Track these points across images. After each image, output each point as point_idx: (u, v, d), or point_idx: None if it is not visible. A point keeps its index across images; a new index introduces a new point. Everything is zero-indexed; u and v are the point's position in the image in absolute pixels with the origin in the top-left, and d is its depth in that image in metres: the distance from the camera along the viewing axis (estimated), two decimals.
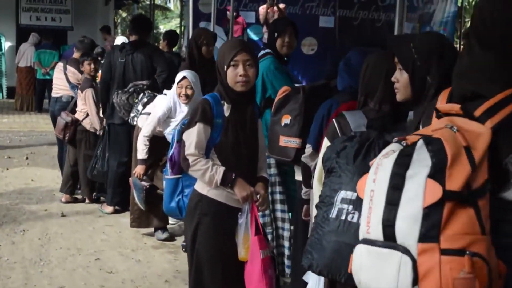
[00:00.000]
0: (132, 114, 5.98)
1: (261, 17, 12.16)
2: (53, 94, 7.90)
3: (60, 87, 7.65)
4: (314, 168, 3.32)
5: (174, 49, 10.49)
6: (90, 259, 5.28)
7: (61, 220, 6.39)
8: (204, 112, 3.29)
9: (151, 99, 5.91)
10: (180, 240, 5.80)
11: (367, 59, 3.13)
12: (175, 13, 33.01)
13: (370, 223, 1.92)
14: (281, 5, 12.10)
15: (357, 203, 2.49)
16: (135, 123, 5.92)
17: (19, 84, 15.55)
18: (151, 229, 5.96)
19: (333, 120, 3.05)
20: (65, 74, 7.58)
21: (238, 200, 3.33)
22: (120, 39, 12.66)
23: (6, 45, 17.51)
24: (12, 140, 11.34)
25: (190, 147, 3.28)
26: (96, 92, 6.92)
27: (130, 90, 6.19)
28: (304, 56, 14.71)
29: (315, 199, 2.96)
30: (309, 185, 3.63)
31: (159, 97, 5.66)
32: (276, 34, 4.57)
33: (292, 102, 4.01)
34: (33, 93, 15.63)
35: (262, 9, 12.08)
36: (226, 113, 3.33)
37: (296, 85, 4.63)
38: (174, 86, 5.30)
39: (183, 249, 5.49)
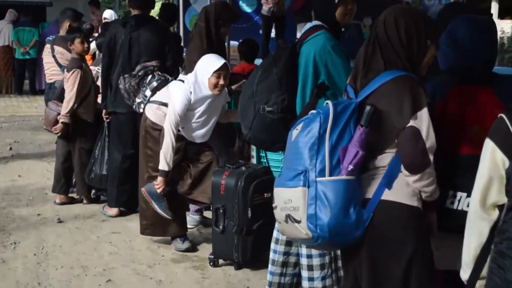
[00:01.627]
0: (138, 100, 4.99)
1: None
2: (47, 81, 6.84)
3: (51, 72, 6.59)
4: None
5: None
6: (100, 281, 4.32)
7: (58, 228, 5.40)
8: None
9: (161, 84, 4.92)
10: (204, 250, 4.87)
11: None
12: None
13: None
14: None
15: None
16: (141, 110, 4.95)
17: None
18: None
19: (502, 116, 2.14)
20: (54, 56, 6.52)
21: None
22: (107, 13, 11.64)
23: None
24: None
25: (430, 137, 2.51)
26: (86, 75, 5.97)
27: (140, 74, 5.19)
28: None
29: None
30: None
31: (174, 85, 4.66)
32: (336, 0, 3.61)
33: None
34: (12, 74, 14.54)
35: None
36: None
37: None
38: (199, 72, 4.42)
39: (211, 263, 4.57)
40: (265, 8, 10.89)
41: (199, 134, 4.66)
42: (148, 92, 4.93)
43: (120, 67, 5.41)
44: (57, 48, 6.44)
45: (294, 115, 3.49)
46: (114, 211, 5.70)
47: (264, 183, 4.45)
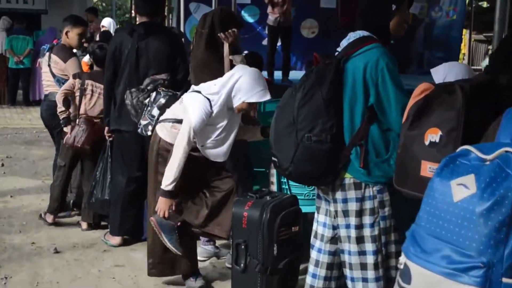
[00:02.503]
0: (143, 122, 4.39)
1: None
2: (44, 92, 6.28)
3: (47, 83, 6.03)
4: None
5: None
6: None
7: (55, 260, 4.81)
8: None
9: (170, 100, 4.36)
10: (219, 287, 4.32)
11: None
12: None
13: None
14: None
15: None
16: (149, 133, 4.35)
17: None
18: None
19: None
20: (49, 65, 5.96)
21: None
22: (106, 21, 11.11)
23: None
24: None
25: None
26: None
27: (150, 88, 4.66)
28: (303, 40, 13.43)
29: None
30: None
31: (189, 97, 4.07)
32: (393, 7, 3.08)
33: (442, 108, 2.55)
34: (5, 84, 13.97)
35: None
36: None
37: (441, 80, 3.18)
38: (237, 87, 3.92)
39: None
40: (271, 18, 10.49)
41: (221, 152, 4.07)
42: (155, 111, 4.36)
43: (126, 80, 4.85)
44: (53, 57, 5.88)
45: (344, 143, 2.97)
46: (117, 240, 5.12)
47: (291, 214, 3.90)
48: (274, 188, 4.58)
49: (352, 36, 3.14)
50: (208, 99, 3.92)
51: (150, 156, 4.25)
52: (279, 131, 3.14)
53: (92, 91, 5.44)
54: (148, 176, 4.32)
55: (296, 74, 10.27)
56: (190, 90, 4.13)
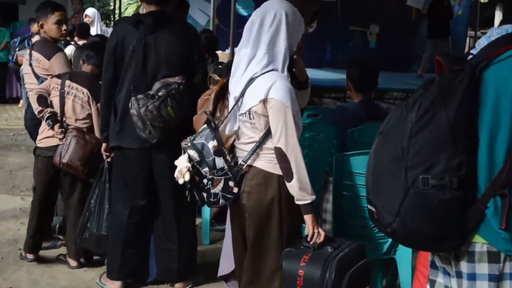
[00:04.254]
0: (184, 144, 3.13)
1: None
2: (28, 96, 5.14)
3: (30, 87, 4.88)
4: None
5: None
6: None
7: None
8: None
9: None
10: None
11: None
12: None
13: None
14: None
15: None
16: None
17: None
18: None
19: None
20: (30, 65, 4.85)
21: None
22: (90, 11, 10.03)
23: None
24: None
25: None
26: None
27: (161, 94, 3.65)
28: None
29: None
30: None
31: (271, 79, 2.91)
32: None
33: None
34: None
35: None
36: None
37: None
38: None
39: None
40: None
41: None
42: (219, 161, 3.03)
43: (130, 84, 3.79)
44: (34, 54, 4.79)
45: (477, 192, 1.98)
46: (116, 285, 4.06)
47: (360, 272, 2.92)
48: (327, 226, 3.54)
49: (495, 33, 2.13)
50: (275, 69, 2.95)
51: (256, 213, 3.00)
52: (379, 168, 2.13)
53: (68, 93, 4.40)
54: (253, 240, 3.06)
55: None
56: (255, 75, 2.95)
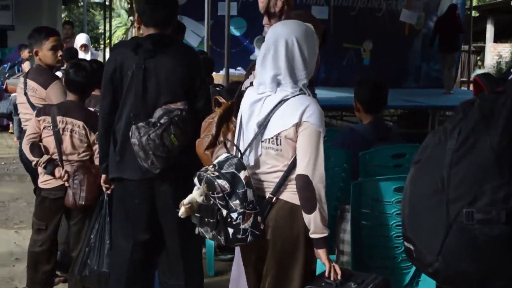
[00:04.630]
0: (210, 174, 2.86)
1: (260, 5, 9.55)
2: (23, 127, 4.81)
3: (25, 117, 4.66)
4: None
5: None
6: None
7: None
8: None
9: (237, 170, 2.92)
10: None
11: None
12: (116, 12, 29.87)
13: None
14: None
15: None
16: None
17: None
18: None
19: None
20: (26, 94, 4.63)
21: None
22: (83, 37, 9.82)
23: None
24: None
25: None
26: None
27: (163, 122, 3.44)
28: None
29: None
30: None
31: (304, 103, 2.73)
32: None
33: None
34: None
35: None
36: None
37: None
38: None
39: None
40: (266, 30, 9.35)
41: None
42: (240, 206, 2.73)
43: (130, 112, 3.59)
44: (29, 83, 4.57)
45: None
46: None
47: None
48: (345, 248, 3.33)
49: None
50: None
51: (280, 249, 2.81)
52: (417, 201, 1.94)
53: (64, 129, 4.15)
54: (274, 278, 2.85)
55: None
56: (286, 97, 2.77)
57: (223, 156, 2.80)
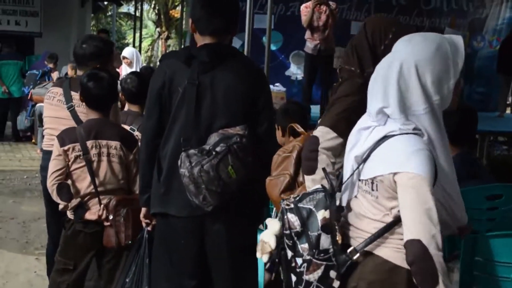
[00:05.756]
0: (285, 205, 2.27)
1: (303, 18, 9.19)
2: (44, 146, 4.08)
3: (52, 133, 3.93)
4: None
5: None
6: None
7: None
8: None
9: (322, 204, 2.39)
10: None
11: None
12: (143, 23, 29.47)
13: None
14: (332, 3, 9.00)
15: None
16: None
17: None
18: None
19: None
20: (72, 110, 3.85)
21: None
22: (128, 51, 9.09)
23: None
24: None
25: None
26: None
27: (219, 149, 2.85)
28: (333, 70, 11.91)
29: None
30: None
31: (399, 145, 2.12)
32: None
33: None
34: None
35: (305, 7, 9.11)
36: None
37: None
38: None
39: None
40: (309, 45, 9.03)
41: None
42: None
43: (179, 136, 3.00)
44: (76, 96, 3.83)
45: None
46: None
47: None
48: None
49: None
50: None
51: None
52: None
53: (99, 155, 3.53)
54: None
55: None
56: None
57: (314, 187, 2.24)
